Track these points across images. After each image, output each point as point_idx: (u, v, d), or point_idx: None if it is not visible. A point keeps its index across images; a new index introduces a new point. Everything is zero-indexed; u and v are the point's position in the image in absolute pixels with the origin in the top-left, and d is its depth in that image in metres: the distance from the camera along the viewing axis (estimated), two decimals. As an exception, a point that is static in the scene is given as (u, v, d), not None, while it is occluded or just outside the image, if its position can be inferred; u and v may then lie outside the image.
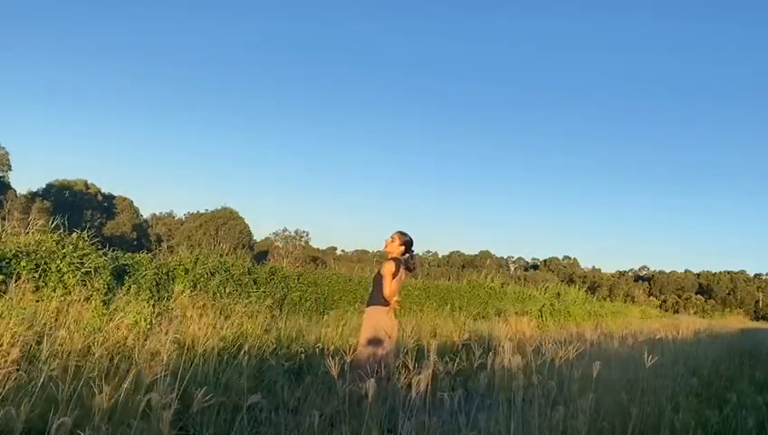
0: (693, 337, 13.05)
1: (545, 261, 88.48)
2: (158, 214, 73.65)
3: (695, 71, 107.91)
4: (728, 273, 77.18)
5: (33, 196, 51.89)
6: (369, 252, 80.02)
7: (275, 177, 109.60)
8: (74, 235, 8.57)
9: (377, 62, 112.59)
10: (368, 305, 5.35)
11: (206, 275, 10.10)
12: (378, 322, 5.09)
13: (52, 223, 8.69)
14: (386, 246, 5.47)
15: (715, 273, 78.28)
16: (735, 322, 33.31)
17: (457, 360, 3.71)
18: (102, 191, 63.27)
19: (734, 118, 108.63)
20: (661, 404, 4.15)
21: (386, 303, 5.16)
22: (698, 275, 79.99)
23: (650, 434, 3.86)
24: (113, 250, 9.31)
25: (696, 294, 74.79)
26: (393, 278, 5.16)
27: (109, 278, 8.20)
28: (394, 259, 5.30)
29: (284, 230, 58.58)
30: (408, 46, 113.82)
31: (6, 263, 7.23)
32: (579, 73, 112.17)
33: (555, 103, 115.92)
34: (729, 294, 74.77)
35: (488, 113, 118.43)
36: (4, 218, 8.65)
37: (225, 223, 53.63)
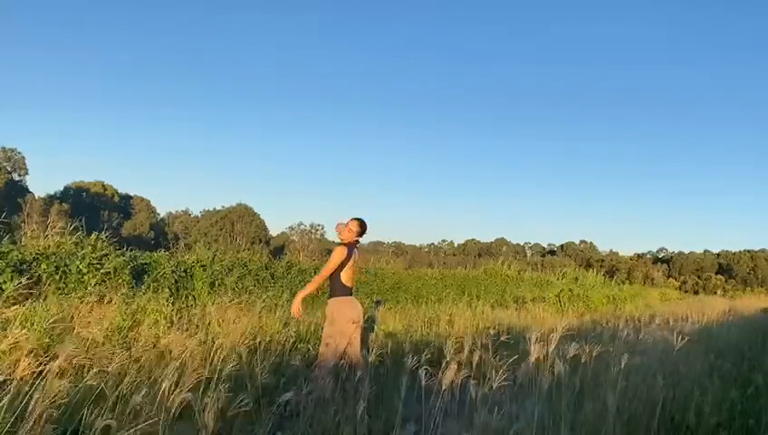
0: (716, 319, 12.93)
1: (562, 246, 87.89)
2: (174, 212, 74.16)
3: (711, 49, 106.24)
4: (748, 252, 76.21)
5: (51, 199, 52.43)
6: (384, 243, 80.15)
7: (289, 172, 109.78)
8: (93, 236, 8.66)
9: (388, 51, 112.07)
10: (329, 297, 5.13)
11: (223, 272, 10.16)
12: (339, 314, 4.91)
13: (71, 225, 8.78)
14: (341, 234, 5.20)
15: (735, 252, 77.31)
16: (757, 301, 32.88)
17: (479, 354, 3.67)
18: (119, 192, 63.85)
19: (749, 93, 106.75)
20: (688, 387, 4.10)
21: (345, 292, 4.99)
22: (718, 254, 79.04)
23: (678, 416, 3.82)
24: (131, 250, 9.39)
25: (716, 274, 73.97)
26: (344, 264, 4.96)
27: (128, 278, 8.28)
28: (346, 244, 5.08)
29: (300, 224, 58.77)
30: (421, 33, 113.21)
31: (28, 266, 7.32)
32: (589, 54, 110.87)
33: (567, 87, 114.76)
34: (750, 273, 73.82)
35: (501, 100, 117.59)
36: (23, 222, 8.76)
37: (241, 219, 53.92)
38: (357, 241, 5.23)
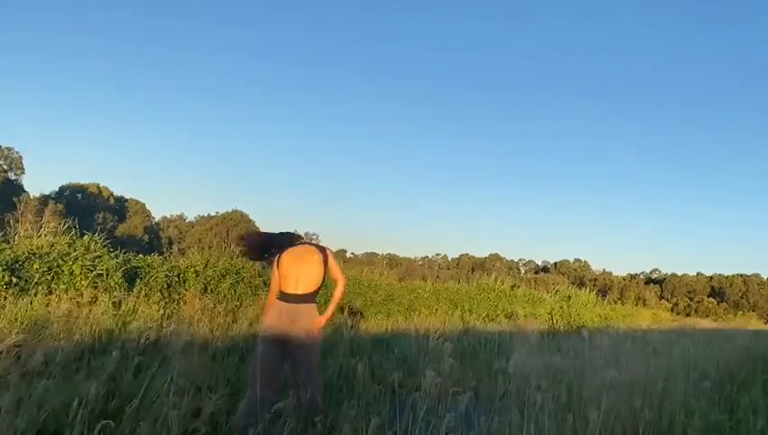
0: (705, 340, 12.94)
1: (556, 264, 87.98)
2: (169, 216, 74.01)
3: (709, 69, 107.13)
4: (741, 276, 76.45)
5: (45, 198, 52.28)
6: (378, 254, 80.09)
7: (285, 180, 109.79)
8: (86, 237, 8.64)
9: (386, 63, 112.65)
10: None
11: (216, 278, 10.15)
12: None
13: (65, 225, 8.77)
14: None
15: (728, 276, 77.52)
16: (749, 325, 32.97)
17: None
18: (115, 194, 63.74)
19: (747, 118, 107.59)
20: (673, 408, 4.12)
21: (279, 297, 4.25)
22: (710, 277, 79.24)
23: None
24: (125, 252, 9.38)
25: (708, 297, 74.10)
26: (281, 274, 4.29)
27: (120, 280, 8.26)
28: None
29: (294, 233, 58.63)
30: (413, 47, 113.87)
31: (20, 265, 7.31)
32: (586, 72, 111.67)
33: (562, 105, 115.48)
34: (742, 297, 73.95)
35: (498, 116, 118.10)
36: (17, 221, 8.75)
37: (236, 225, 53.81)
38: (278, 248, 4.45)
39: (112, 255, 8.79)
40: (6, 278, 6.86)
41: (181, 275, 9.65)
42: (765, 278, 76.13)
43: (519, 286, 22.96)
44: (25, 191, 53.32)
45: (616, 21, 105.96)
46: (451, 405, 3.36)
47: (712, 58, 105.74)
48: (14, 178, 56.37)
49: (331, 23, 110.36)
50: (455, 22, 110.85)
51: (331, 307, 4.29)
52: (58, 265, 7.68)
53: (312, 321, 4.10)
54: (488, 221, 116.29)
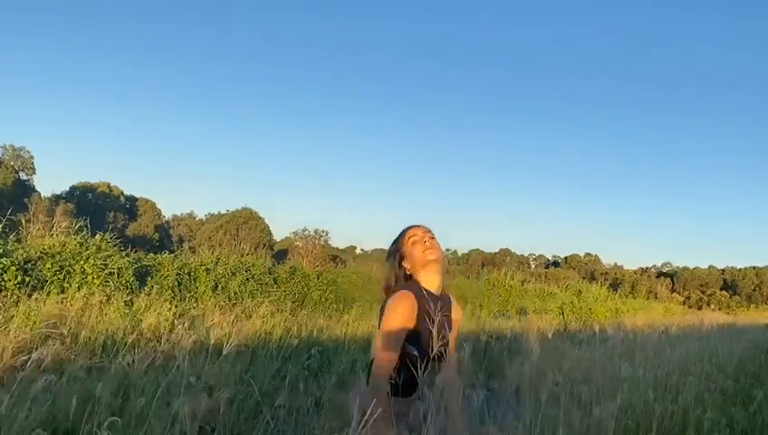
0: (717, 333, 12.86)
1: (566, 258, 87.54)
2: (179, 215, 74.37)
3: (722, 59, 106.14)
4: (754, 268, 75.86)
5: (56, 198, 52.72)
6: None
7: (295, 176, 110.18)
8: (97, 236, 8.69)
9: (397, 56, 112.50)
10: None
11: (227, 275, 10.19)
12: None
13: (76, 225, 8.81)
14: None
15: (740, 268, 77.03)
16: (761, 318, 32.68)
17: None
18: (125, 193, 64.08)
19: (760, 108, 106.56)
20: (687, 402, 4.08)
21: None
22: (723, 270, 78.70)
23: (677, 432, 3.80)
24: (136, 251, 9.43)
25: (721, 290, 73.59)
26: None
27: (131, 279, 8.31)
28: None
29: (304, 230, 58.75)
30: (425, 37, 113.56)
31: (32, 265, 7.36)
32: (596, 63, 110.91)
33: (574, 96, 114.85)
34: (755, 289, 73.39)
35: (508, 109, 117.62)
36: (29, 221, 8.80)
37: (246, 223, 54.05)
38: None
39: (123, 253, 8.84)
40: (19, 278, 6.92)
41: (192, 274, 9.70)
42: (779, 270, 75.48)
43: (529, 281, 22.92)
44: (36, 191, 53.77)
45: (637, 19, 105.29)
46: (464, 401, 3.34)
47: (726, 49, 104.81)
48: (25, 178, 56.82)
49: (338, 14, 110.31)
50: (456, 24, 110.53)
51: None
52: (70, 265, 7.73)
53: None
54: (498, 216, 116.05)
